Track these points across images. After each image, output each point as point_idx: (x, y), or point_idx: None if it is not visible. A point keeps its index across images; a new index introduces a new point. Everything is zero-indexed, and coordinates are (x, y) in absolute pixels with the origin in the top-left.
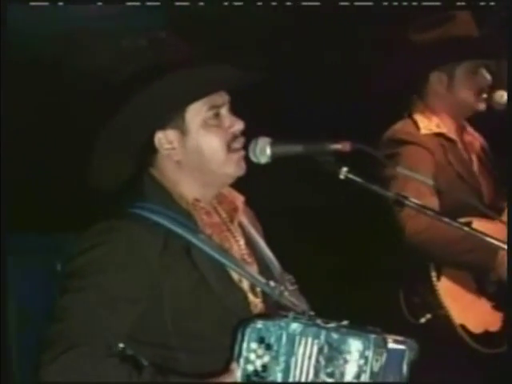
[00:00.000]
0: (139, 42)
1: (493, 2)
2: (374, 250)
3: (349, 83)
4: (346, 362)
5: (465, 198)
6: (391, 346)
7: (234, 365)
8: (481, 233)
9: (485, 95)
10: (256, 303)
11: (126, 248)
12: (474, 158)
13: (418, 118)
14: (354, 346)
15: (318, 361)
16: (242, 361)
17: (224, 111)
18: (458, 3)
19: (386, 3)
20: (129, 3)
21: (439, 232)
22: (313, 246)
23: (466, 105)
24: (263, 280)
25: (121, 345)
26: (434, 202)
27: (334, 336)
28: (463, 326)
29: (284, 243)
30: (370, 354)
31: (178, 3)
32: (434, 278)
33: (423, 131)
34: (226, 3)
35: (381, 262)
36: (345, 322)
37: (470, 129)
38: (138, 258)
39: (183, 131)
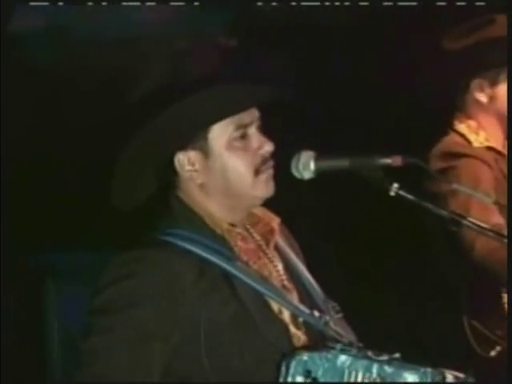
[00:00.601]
0: (165, 56)
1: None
2: (430, 271)
3: (385, 96)
4: None
5: None
6: (450, 380)
7: None
8: None
9: None
10: (299, 336)
11: (158, 279)
12: None
13: (465, 131)
14: (410, 380)
15: None
16: None
17: (252, 130)
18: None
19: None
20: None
21: None
22: (360, 266)
23: None
24: (306, 310)
25: None
26: (501, 221)
27: (388, 370)
28: None
29: (326, 266)
30: None
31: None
32: (507, 305)
33: (475, 144)
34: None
35: (440, 283)
36: (396, 355)
37: None
38: (171, 290)
39: (206, 153)
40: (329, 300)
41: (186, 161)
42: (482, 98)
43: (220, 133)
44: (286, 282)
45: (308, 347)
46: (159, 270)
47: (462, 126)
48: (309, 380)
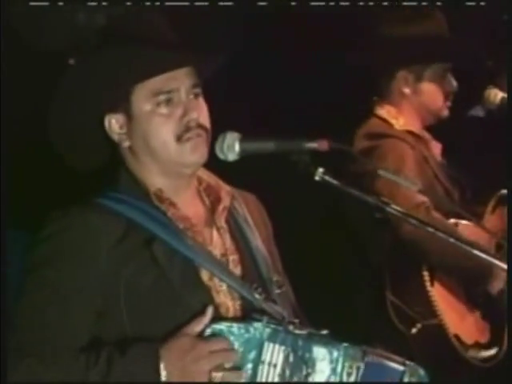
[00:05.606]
0: (95, 18)
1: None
2: (356, 250)
3: (312, 77)
4: (308, 373)
5: (443, 198)
6: (371, 360)
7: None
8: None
9: (449, 102)
10: (228, 305)
11: (78, 238)
12: (441, 161)
13: (385, 116)
14: (320, 354)
15: (283, 370)
16: None
17: (181, 96)
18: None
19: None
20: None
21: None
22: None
23: (432, 109)
24: (237, 280)
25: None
26: (424, 199)
27: (300, 343)
28: (457, 337)
29: None
30: (338, 365)
31: None
32: (428, 283)
33: (396, 127)
34: None
35: (366, 263)
36: (324, 332)
37: (428, 135)
38: (89, 249)
39: (130, 116)
40: (275, 274)
41: (113, 123)
42: (406, 90)
43: (142, 96)
44: (228, 252)
45: (230, 318)
46: (78, 229)
47: (382, 112)
48: None
